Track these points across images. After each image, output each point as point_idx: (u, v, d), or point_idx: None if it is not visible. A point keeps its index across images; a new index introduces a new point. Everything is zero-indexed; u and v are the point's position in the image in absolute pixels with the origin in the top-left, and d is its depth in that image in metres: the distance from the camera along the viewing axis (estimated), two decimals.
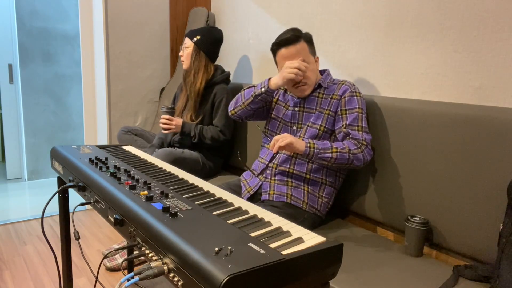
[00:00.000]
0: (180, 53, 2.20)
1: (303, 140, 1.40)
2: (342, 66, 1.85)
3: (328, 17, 1.89)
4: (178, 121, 2.04)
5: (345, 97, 1.50)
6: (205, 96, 2.15)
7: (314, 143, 1.39)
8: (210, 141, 2.07)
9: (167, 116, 2.01)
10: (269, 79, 1.56)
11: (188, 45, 2.16)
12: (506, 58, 1.29)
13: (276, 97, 1.70)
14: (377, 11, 1.67)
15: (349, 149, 1.41)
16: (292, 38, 1.50)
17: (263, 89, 1.55)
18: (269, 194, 1.53)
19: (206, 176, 2.15)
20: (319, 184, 1.53)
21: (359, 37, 1.75)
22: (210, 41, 2.17)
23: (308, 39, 1.56)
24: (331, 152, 1.39)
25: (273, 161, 1.56)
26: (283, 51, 1.53)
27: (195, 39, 2.14)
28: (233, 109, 1.68)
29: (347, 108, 1.49)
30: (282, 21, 2.16)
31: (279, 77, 1.52)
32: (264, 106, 1.68)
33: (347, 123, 1.47)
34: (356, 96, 1.50)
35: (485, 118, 1.23)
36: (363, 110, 1.49)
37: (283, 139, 1.35)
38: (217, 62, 2.58)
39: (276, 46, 1.55)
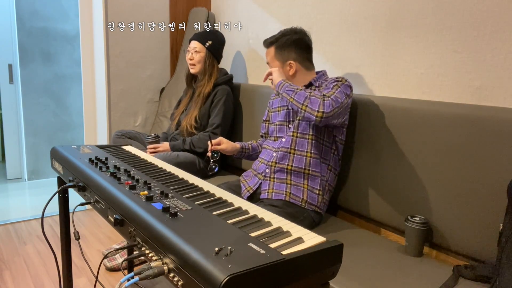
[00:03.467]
0: (190, 57, 2.19)
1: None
2: (342, 66, 1.85)
3: (328, 17, 1.89)
4: (164, 145, 2.13)
5: (329, 83, 1.52)
6: (208, 97, 2.19)
7: (289, 81, 1.51)
8: (203, 149, 2.11)
9: (152, 145, 2.11)
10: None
11: (199, 49, 2.18)
12: (506, 58, 1.29)
13: (269, 106, 1.80)
14: (377, 11, 1.67)
15: (310, 92, 1.43)
16: (266, 42, 1.65)
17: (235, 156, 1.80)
18: (268, 192, 1.54)
19: (204, 177, 2.16)
20: (318, 179, 1.53)
21: (359, 37, 1.76)
22: (219, 45, 2.25)
23: (281, 45, 1.60)
24: (296, 89, 1.45)
25: (271, 160, 1.57)
26: None
27: (207, 44, 2.18)
28: None
29: (326, 87, 1.51)
30: (282, 21, 2.17)
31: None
32: (252, 153, 1.82)
33: (321, 91, 1.49)
34: (340, 81, 1.50)
35: (485, 118, 1.23)
36: (342, 89, 1.46)
37: (272, 70, 1.57)
38: None
39: None
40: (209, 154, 1.69)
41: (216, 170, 1.69)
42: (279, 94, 1.51)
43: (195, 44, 2.19)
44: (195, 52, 2.18)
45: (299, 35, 1.61)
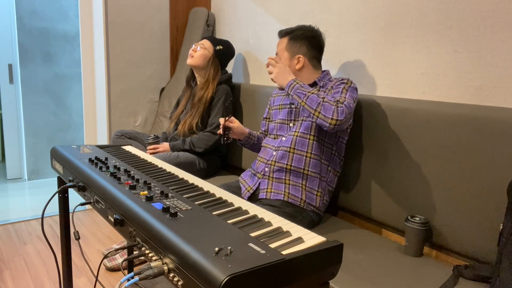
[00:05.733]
0: (193, 49, 2.19)
1: (293, 79, 1.49)
2: (342, 66, 1.85)
3: (328, 17, 1.89)
4: (164, 146, 2.13)
5: (334, 85, 1.53)
6: (209, 101, 2.18)
7: (301, 82, 1.47)
8: (203, 149, 2.10)
9: (152, 146, 2.12)
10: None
11: (207, 47, 2.18)
12: (506, 58, 1.29)
13: (270, 104, 1.80)
14: (377, 11, 1.67)
15: (324, 97, 1.40)
16: (281, 33, 1.66)
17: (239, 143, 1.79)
18: (266, 192, 1.53)
19: (204, 177, 2.16)
20: (317, 180, 1.53)
21: (359, 37, 1.75)
22: (228, 54, 2.27)
23: (295, 37, 1.61)
24: (308, 92, 1.42)
25: (271, 159, 1.57)
26: None
27: (217, 47, 2.19)
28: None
29: (333, 90, 1.51)
30: (282, 21, 2.16)
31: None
32: (256, 142, 1.81)
33: (332, 94, 1.49)
34: (346, 83, 1.50)
35: (485, 118, 1.23)
36: (349, 92, 1.47)
37: (276, 68, 1.52)
38: None
39: None
40: (220, 131, 1.65)
41: (231, 140, 1.66)
42: (289, 94, 1.48)
43: (205, 42, 2.20)
44: (201, 48, 2.17)
45: (314, 33, 1.62)
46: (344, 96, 1.44)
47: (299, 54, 1.59)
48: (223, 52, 2.22)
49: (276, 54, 1.65)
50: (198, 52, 2.17)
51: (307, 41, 1.60)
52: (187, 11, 2.79)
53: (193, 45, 2.22)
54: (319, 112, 1.38)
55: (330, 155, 1.56)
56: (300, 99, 1.42)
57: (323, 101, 1.38)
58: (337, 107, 1.37)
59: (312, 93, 1.41)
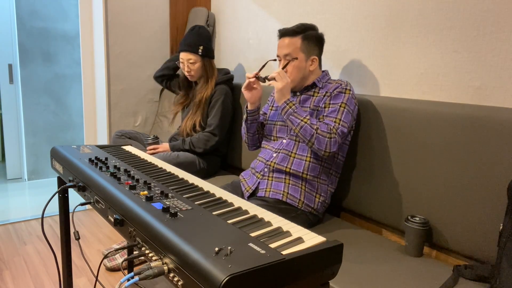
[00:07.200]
0: (187, 69, 2.15)
1: (291, 97, 1.47)
2: (342, 66, 1.85)
3: (328, 17, 1.89)
4: (164, 146, 2.14)
5: (333, 92, 1.52)
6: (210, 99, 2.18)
7: (293, 104, 1.46)
8: (202, 149, 2.10)
9: (152, 146, 2.14)
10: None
11: (194, 60, 2.13)
12: (506, 58, 1.29)
13: (271, 104, 1.76)
14: (377, 11, 1.67)
15: (318, 128, 1.42)
16: (290, 31, 1.56)
17: (244, 111, 1.68)
18: (265, 191, 1.53)
19: (204, 177, 2.16)
20: (316, 183, 1.53)
21: (359, 37, 1.75)
22: (210, 43, 2.22)
23: (308, 38, 1.56)
24: (301, 120, 1.43)
25: (270, 159, 1.57)
26: (280, 40, 1.60)
27: (200, 51, 2.13)
28: (245, 141, 1.79)
29: (331, 102, 1.51)
30: (282, 21, 2.16)
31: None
32: (261, 128, 1.76)
33: (325, 114, 1.49)
34: (345, 92, 1.50)
35: (485, 118, 1.23)
36: (348, 106, 1.48)
37: (281, 81, 1.45)
38: (217, 63, 2.59)
39: (279, 34, 1.62)
40: (251, 76, 1.59)
41: (263, 80, 1.57)
42: (282, 115, 1.48)
43: (188, 56, 2.13)
44: (190, 64, 2.14)
45: (320, 33, 1.61)
46: (339, 119, 1.45)
47: (314, 55, 1.58)
48: (206, 48, 2.15)
49: (287, 55, 1.56)
50: (193, 69, 2.14)
51: (318, 41, 1.60)
52: (187, 11, 2.79)
53: (181, 64, 2.17)
54: (313, 143, 1.42)
55: (333, 158, 1.55)
56: (294, 126, 1.45)
57: (316, 133, 1.41)
58: (330, 139, 1.41)
59: (305, 122, 1.43)
